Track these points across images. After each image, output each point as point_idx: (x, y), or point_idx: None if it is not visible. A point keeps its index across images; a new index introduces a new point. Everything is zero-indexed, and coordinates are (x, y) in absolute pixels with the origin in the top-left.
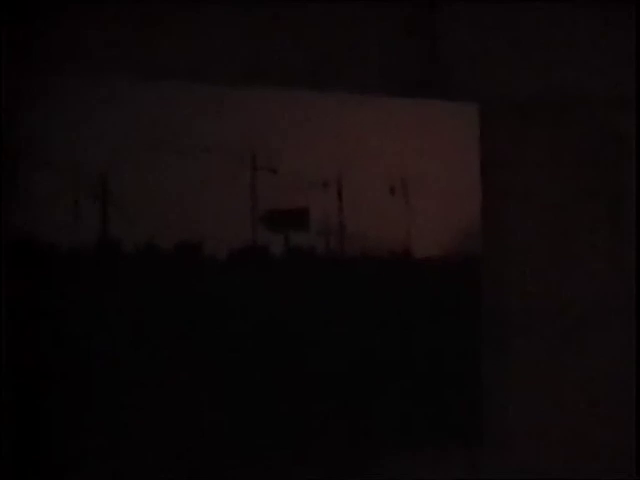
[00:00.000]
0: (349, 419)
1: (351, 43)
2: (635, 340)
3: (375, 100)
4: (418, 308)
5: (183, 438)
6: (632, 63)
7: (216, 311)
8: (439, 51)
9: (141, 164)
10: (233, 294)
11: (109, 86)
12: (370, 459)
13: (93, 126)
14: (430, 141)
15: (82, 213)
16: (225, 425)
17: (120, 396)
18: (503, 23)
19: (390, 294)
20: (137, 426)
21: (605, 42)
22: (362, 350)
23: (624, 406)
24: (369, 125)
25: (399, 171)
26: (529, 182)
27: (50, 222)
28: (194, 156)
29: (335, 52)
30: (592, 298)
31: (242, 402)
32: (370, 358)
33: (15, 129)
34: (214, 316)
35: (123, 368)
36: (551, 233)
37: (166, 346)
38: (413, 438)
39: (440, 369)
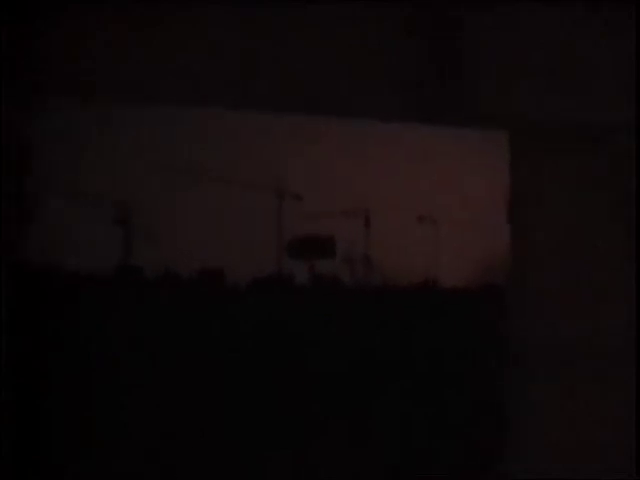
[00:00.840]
0: (370, 451)
1: (377, 68)
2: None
3: (403, 128)
4: (443, 338)
5: (194, 448)
6: None
7: (237, 339)
8: (465, 75)
9: (164, 191)
10: (256, 322)
11: (132, 113)
12: None
13: (116, 154)
14: (459, 169)
15: (103, 240)
16: (250, 444)
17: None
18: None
19: (415, 324)
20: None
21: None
22: (386, 379)
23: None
24: (397, 153)
25: (427, 200)
26: (558, 212)
27: (71, 249)
28: (218, 183)
29: (361, 78)
30: (617, 331)
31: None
32: (394, 388)
33: (37, 157)
34: (235, 344)
35: (142, 394)
36: (579, 265)
37: (185, 373)
38: (437, 469)
39: (464, 399)
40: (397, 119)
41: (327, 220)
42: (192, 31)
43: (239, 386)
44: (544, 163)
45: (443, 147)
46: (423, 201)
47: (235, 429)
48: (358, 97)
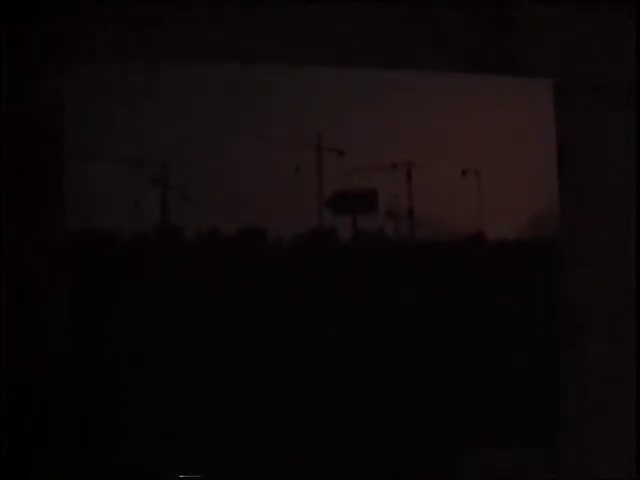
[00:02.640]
0: (429, 411)
1: (424, 19)
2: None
3: (445, 77)
4: (490, 294)
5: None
6: None
7: (280, 297)
8: (512, 27)
9: (205, 151)
10: (298, 279)
11: (171, 73)
12: (451, 456)
13: (156, 114)
14: (503, 120)
15: (144, 201)
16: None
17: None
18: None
19: (461, 279)
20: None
21: None
22: (431, 338)
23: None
24: (439, 104)
25: (471, 152)
26: (608, 162)
27: (112, 211)
28: (258, 140)
29: (405, 29)
30: None
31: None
32: (439, 346)
33: (74, 120)
34: (279, 302)
35: (187, 353)
36: (631, 214)
37: (229, 332)
38: (490, 435)
39: (514, 358)
40: (443, 69)
41: (369, 174)
42: (254, 11)
43: (285, 343)
44: (591, 112)
45: (487, 98)
46: (467, 154)
47: (285, 381)
48: (404, 48)
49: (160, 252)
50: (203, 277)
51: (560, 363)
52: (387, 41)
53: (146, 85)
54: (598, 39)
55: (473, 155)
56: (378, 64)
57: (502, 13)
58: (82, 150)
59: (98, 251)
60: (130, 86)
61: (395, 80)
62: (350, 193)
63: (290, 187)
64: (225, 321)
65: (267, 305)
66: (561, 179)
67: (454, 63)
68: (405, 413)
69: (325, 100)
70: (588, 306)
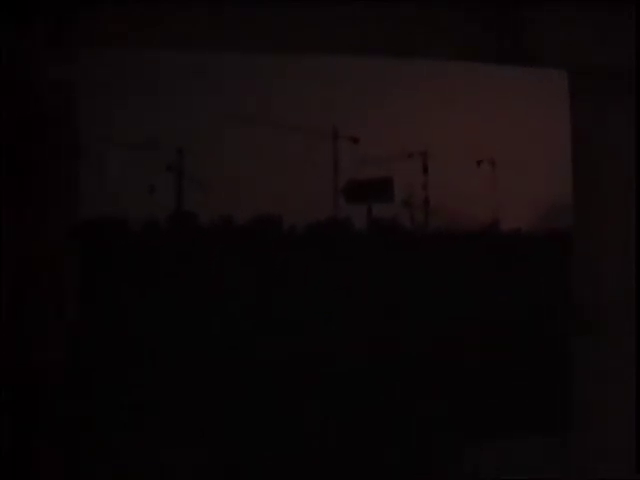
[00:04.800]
0: (434, 401)
1: (436, 9)
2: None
3: (460, 68)
4: (505, 284)
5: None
6: None
7: (296, 286)
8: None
9: (219, 138)
10: (312, 268)
11: (186, 60)
12: (462, 444)
13: (171, 101)
14: (518, 110)
15: (158, 187)
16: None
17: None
18: None
19: (476, 268)
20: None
21: None
22: (445, 326)
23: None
24: (454, 94)
25: (486, 142)
26: (623, 151)
27: (126, 197)
28: (273, 127)
29: (420, 18)
30: None
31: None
32: (453, 334)
33: (92, 105)
34: (292, 290)
35: (196, 339)
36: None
37: (242, 318)
38: (502, 423)
39: (528, 348)
40: (459, 60)
41: (384, 163)
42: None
43: (297, 329)
44: (606, 103)
45: (503, 89)
46: (482, 143)
47: (300, 363)
48: (421, 37)
49: (174, 238)
50: (216, 264)
51: (566, 360)
52: (402, 32)
53: (160, 72)
54: (613, 27)
55: (488, 145)
56: (395, 54)
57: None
58: (96, 136)
59: (112, 237)
60: (145, 72)
61: (411, 70)
62: (365, 182)
63: (305, 175)
64: (237, 310)
65: (279, 294)
66: (575, 170)
67: (470, 55)
68: (415, 405)
69: (342, 89)
70: (597, 297)
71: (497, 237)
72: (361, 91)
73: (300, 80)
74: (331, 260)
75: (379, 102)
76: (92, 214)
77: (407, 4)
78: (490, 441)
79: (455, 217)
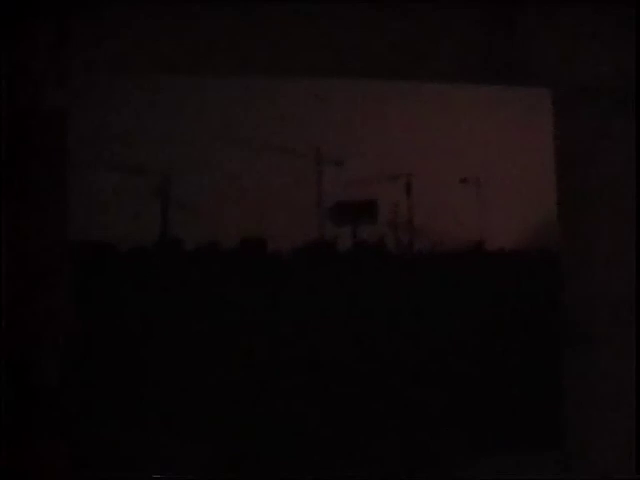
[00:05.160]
0: (422, 416)
1: (421, 31)
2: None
3: (444, 88)
4: (491, 303)
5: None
6: None
7: (282, 307)
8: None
9: (204, 162)
10: (299, 290)
11: (171, 87)
12: (452, 460)
13: (156, 127)
14: (502, 130)
15: (144, 213)
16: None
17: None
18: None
19: (462, 289)
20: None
21: None
22: (432, 347)
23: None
24: (439, 114)
25: (470, 162)
26: (607, 171)
27: (112, 222)
28: (257, 152)
29: (405, 40)
30: None
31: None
32: (441, 355)
33: (76, 131)
34: (278, 312)
35: (180, 361)
36: (632, 223)
37: (227, 341)
38: (491, 439)
39: (517, 366)
40: (443, 80)
41: (368, 185)
42: (255, 27)
43: (280, 353)
44: (590, 122)
45: (486, 108)
46: (466, 163)
47: (275, 392)
48: (404, 60)
49: (160, 263)
50: (203, 288)
51: (560, 368)
52: (387, 52)
53: (147, 97)
54: (597, 47)
55: (473, 164)
56: (378, 75)
57: (501, 25)
58: (84, 161)
59: (99, 261)
60: (132, 98)
61: (394, 91)
62: (350, 204)
63: (290, 197)
64: (224, 331)
65: (266, 315)
66: (559, 187)
67: (454, 75)
68: (405, 419)
69: (325, 111)
70: (588, 312)
71: (482, 255)
72: (345, 114)
73: (286, 104)
74: (317, 280)
75: (363, 124)
76: (80, 236)
77: (392, 26)
78: (486, 452)
79: (440, 237)
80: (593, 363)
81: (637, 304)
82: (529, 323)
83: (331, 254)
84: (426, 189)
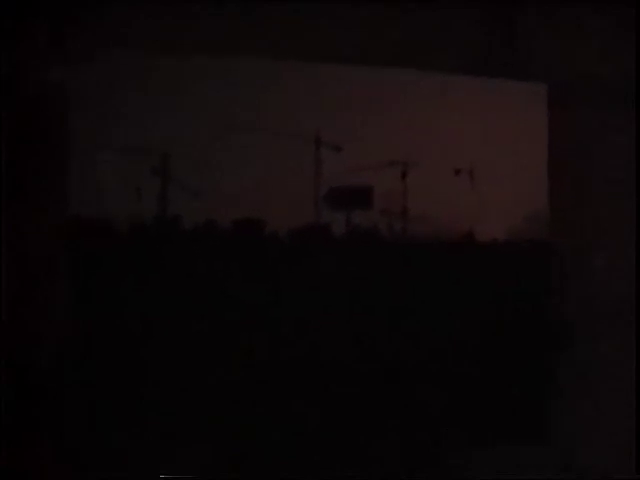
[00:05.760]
0: (410, 412)
1: (424, 22)
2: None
3: (442, 79)
4: (481, 293)
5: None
6: None
7: (277, 289)
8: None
9: (203, 143)
10: (294, 272)
11: (171, 65)
12: (439, 455)
13: (156, 106)
14: (497, 122)
15: (143, 191)
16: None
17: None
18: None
19: (453, 277)
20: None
21: None
22: (422, 335)
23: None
24: (435, 105)
25: (465, 153)
26: (599, 165)
27: (112, 199)
28: (256, 134)
29: (404, 30)
30: None
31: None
32: (430, 344)
33: (77, 110)
34: (274, 294)
35: (177, 343)
36: (622, 218)
37: (222, 322)
38: (480, 434)
39: (505, 357)
40: (440, 70)
41: (365, 171)
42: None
43: (275, 336)
44: (582, 116)
45: (483, 100)
46: (461, 153)
47: (271, 379)
48: (404, 49)
49: (158, 242)
50: (199, 268)
51: (554, 363)
52: (386, 41)
53: (147, 77)
54: (597, 47)
55: (468, 155)
56: (378, 63)
57: (502, 18)
58: (85, 140)
59: (97, 239)
60: (132, 77)
61: (393, 79)
62: (346, 189)
63: (288, 182)
64: (220, 312)
65: (262, 296)
66: (552, 181)
67: (451, 65)
68: (398, 413)
69: (325, 96)
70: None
71: (474, 245)
72: (344, 100)
73: (286, 87)
74: (311, 264)
75: (362, 111)
76: (79, 214)
77: (390, 15)
78: (482, 448)
79: (433, 225)
80: (593, 362)
81: (637, 303)
82: (520, 315)
83: (326, 238)
84: (421, 178)
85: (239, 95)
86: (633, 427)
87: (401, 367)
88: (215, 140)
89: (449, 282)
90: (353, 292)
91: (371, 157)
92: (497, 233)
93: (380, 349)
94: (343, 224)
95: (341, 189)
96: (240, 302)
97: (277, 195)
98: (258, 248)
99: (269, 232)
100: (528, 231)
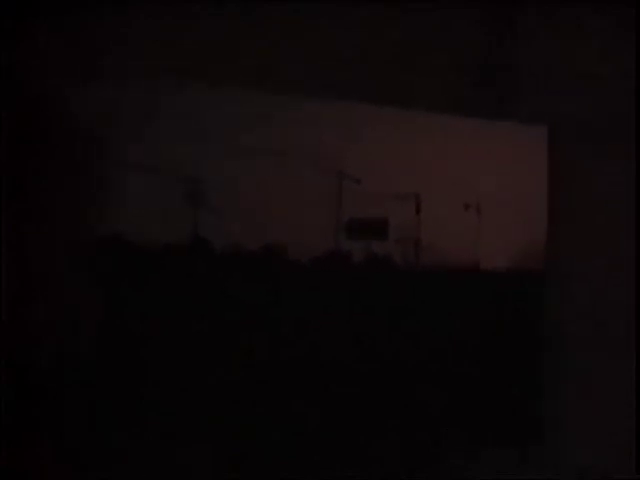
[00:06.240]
0: (410, 412)
1: (434, 68)
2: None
3: (452, 120)
4: (484, 316)
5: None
6: None
7: (297, 311)
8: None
9: (233, 170)
10: (315, 297)
11: (203, 96)
12: (437, 457)
13: (189, 131)
14: (501, 161)
15: (175, 214)
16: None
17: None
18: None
19: (459, 303)
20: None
21: None
22: (430, 349)
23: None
24: (446, 144)
25: (473, 189)
26: (594, 199)
27: (144, 222)
28: (284, 164)
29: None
30: None
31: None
32: (438, 361)
33: (112, 131)
34: (295, 316)
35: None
36: (612, 251)
37: (248, 343)
38: (480, 434)
39: (504, 372)
40: (449, 112)
41: (382, 203)
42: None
43: (298, 355)
44: (582, 158)
45: (488, 140)
46: (469, 189)
47: (291, 394)
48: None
49: (188, 264)
50: (227, 289)
51: (554, 364)
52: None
53: (179, 104)
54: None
55: (475, 191)
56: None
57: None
58: (117, 161)
59: (127, 261)
60: (167, 105)
61: (409, 119)
62: (364, 220)
63: (311, 211)
64: (241, 332)
65: (284, 315)
66: (550, 215)
67: (459, 108)
68: (398, 413)
69: (348, 134)
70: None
71: (478, 273)
72: (365, 135)
73: (315, 123)
74: (332, 289)
75: (380, 146)
76: (109, 236)
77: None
78: (482, 448)
79: (442, 255)
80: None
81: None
82: (520, 330)
83: (346, 265)
84: (432, 211)
85: (271, 128)
86: (633, 427)
87: (402, 367)
88: (245, 170)
89: (455, 304)
90: (371, 313)
91: (387, 190)
92: (498, 262)
93: (382, 351)
94: (362, 252)
95: (359, 220)
96: (264, 322)
97: (302, 223)
98: (282, 271)
99: (293, 258)
100: (525, 260)
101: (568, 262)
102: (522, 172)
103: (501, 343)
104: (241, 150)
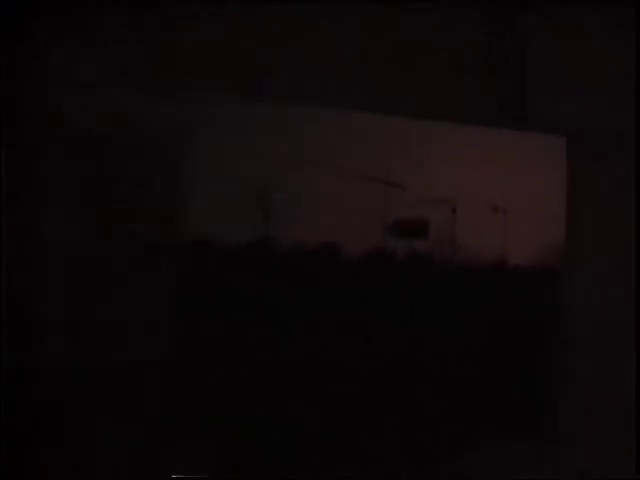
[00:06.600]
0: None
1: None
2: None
3: (482, 133)
4: (508, 311)
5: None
6: None
7: (349, 303)
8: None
9: (295, 179)
10: (367, 291)
11: (268, 111)
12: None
13: (257, 146)
14: (526, 168)
15: (247, 218)
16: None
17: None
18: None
19: (488, 297)
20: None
21: None
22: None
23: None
24: (477, 153)
25: (500, 194)
26: (609, 206)
27: (222, 225)
28: (337, 175)
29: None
30: None
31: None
32: (440, 360)
33: (191, 148)
34: (345, 308)
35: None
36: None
37: (305, 334)
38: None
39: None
40: (478, 124)
41: (423, 207)
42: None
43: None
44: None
45: (512, 150)
46: (498, 194)
47: (344, 387)
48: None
49: (257, 261)
50: (290, 284)
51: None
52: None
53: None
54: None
55: (502, 195)
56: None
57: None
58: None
59: (204, 259)
60: (237, 126)
61: (446, 134)
62: (407, 221)
63: (361, 214)
64: (302, 327)
65: (337, 307)
66: (570, 218)
67: (488, 118)
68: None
69: (397, 144)
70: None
71: (505, 271)
72: (409, 147)
73: (361, 136)
74: (379, 284)
75: (423, 157)
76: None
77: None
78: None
79: (474, 253)
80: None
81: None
82: (534, 328)
83: (392, 262)
84: (466, 213)
85: (329, 140)
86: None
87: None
88: (306, 176)
89: (480, 299)
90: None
91: (427, 195)
92: (522, 260)
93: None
94: (404, 250)
95: (403, 221)
96: (320, 314)
97: (354, 224)
98: (336, 268)
99: (345, 256)
100: (546, 260)
101: (584, 261)
102: (542, 177)
103: (510, 342)
104: (303, 163)
